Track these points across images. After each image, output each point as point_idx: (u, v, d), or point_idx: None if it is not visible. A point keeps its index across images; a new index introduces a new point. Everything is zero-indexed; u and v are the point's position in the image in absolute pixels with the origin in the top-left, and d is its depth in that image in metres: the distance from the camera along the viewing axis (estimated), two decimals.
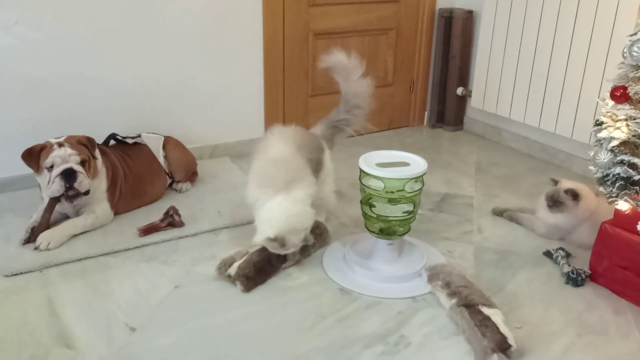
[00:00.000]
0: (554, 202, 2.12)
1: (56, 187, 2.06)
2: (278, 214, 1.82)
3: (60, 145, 2.10)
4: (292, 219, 1.81)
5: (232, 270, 1.84)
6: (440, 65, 3.45)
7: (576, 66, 2.72)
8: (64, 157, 2.08)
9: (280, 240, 1.80)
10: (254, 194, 1.90)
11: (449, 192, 2.65)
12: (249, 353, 1.56)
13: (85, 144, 2.15)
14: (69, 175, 2.05)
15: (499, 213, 2.41)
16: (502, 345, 1.54)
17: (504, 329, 1.57)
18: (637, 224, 1.62)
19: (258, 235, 1.84)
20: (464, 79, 3.43)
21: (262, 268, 1.88)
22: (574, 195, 2.10)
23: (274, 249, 1.83)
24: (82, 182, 2.08)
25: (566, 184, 2.15)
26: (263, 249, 1.88)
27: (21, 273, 1.90)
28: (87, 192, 2.13)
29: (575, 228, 2.14)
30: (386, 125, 3.54)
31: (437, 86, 3.50)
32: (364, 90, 2.22)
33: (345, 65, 2.19)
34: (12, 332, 1.62)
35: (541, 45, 2.86)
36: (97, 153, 2.22)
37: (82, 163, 2.10)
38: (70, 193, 2.09)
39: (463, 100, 3.50)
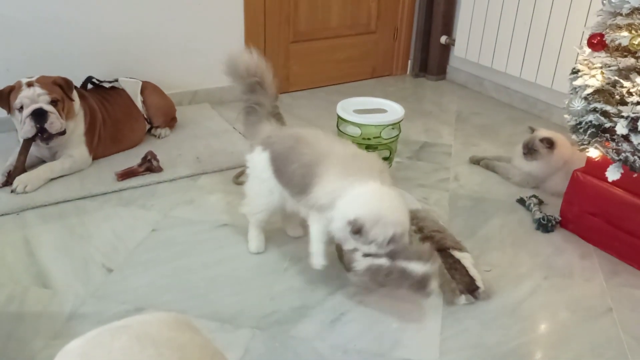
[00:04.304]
0: (529, 150, 2.15)
1: (27, 127, 2.04)
2: (369, 196, 1.45)
3: (30, 85, 2.06)
4: (385, 205, 1.44)
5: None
6: (425, 13, 3.39)
7: (559, 16, 2.69)
8: (33, 98, 2.04)
9: (357, 224, 1.40)
10: (336, 185, 1.47)
11: (428, 140, 2.66)
12: (224, 292, 1.60)
13: (60, 84, 2.11)
14: (39, 116, 2.02)
15: (475, 161, 2.44)
16: (470, 287, 1.59)
17: (472, 271, 1.62)
18: (606, 171, 1.65)
19: (336, 221, 1.47)
20: (448, 27, 3.38)
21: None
22: (550, 144, 2.12)
23: (346, 238, 1.45)
24: (54, 122, 2.05)
25: (543, 132, 2.18)
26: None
27: None
28: (62, 133, 2.10)
29: (549, 176, 2.18)
30: (369, 73, 3.50)
31: (421, 34, 3.46)
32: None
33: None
34: None
35: None
36: (75, 95, 2.18)
37: (54, 103, 2.07)
38: (44, 135, 2.06)
39: (447, 49, 3.47)
